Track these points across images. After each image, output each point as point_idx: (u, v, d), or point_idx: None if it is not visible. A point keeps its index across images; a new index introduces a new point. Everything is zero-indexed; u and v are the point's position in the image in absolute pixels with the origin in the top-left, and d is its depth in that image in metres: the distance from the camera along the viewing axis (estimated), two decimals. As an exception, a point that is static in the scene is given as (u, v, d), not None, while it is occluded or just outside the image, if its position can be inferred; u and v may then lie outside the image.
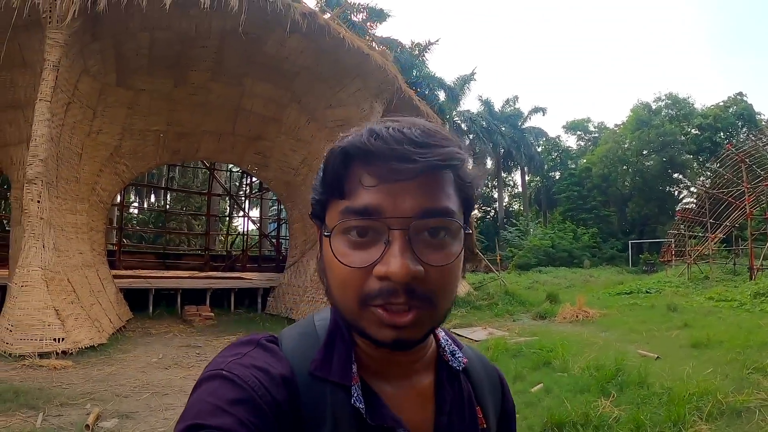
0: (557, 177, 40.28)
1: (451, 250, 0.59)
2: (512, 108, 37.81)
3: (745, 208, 16.89)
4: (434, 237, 0.58)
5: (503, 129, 35.80)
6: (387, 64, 10.60)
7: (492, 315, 11.12)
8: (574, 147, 43.41)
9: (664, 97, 34.46)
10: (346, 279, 0.58)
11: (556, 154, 42.34)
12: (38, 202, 7.30)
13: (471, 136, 32.28)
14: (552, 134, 43.52)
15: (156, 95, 10.81)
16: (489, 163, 35.49)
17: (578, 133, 43.30)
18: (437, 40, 31.40)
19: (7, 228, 14.84)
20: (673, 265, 19.57)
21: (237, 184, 24.65)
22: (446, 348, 0.72)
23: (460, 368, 0.71)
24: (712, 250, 17.73)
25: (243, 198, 23.72)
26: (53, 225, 7.79)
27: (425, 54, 28.16)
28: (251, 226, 23.72)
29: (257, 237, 22.49)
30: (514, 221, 34.21)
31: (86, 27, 8.12)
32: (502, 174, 39.59)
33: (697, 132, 32.77)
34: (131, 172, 11.55)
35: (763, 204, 18.53)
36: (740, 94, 33.35)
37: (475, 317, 10.77)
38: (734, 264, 17.48)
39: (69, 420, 4.37)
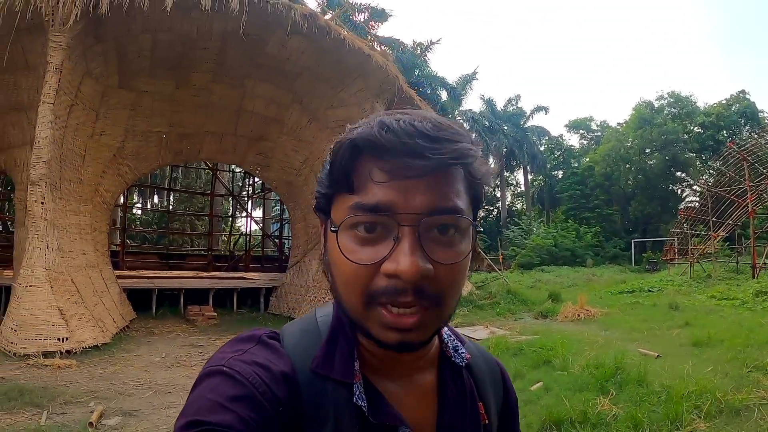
0: (560, 176, 40.16)
1: (460, 248, 0.58)
2: (515, 107, 37.73)
3: (748, 207, 16.84)
4: (444, 234, 0.57)
5: (506, 128, 35.76)
6: (388, 65, 10.65)
7: (494, 314, 11.11)
8: (577, 146, 43.30)
9: (666, 96, 34.36)
10: (352, 276, 0.57)
11: (558, 153, 42.22)
12: (42, 203, 7.38)
13: (473, 136, 32.25)
14: (554, 133, 43.52)
15: (158, 97, 10.88)
16: (492, 162, 35.48)
17: (581, 131, 43.13)
18: (439, 40, 31.47)
19: (11, 229, 14.95)
20: (676, 263, 19.52)
21: (240, 184, 24.73)
22: (449, 344, 0.71)
23: (463, 364, 0.70)
24: (715, 248, 17.68)
25: (246, 198, 23.79)
26: (57, 226, 7.85)
27: (427, 53, 28.12)
28: (254, 227, 23.81)
29: (260, 237, 22.57)
30: (517, 220, 34.15)
31: (88, 30, 8.19)
32: (505, 173, 39.54)
33: (699, 130, 32.64)
34: (134, 173, 11.63)
35: (765, 202, 18.45)
36: (743, 91, 33.16)
37: (477, 316, 10.77)
38: (737, 262, 17.42)
39: (73, 418, 4.42)
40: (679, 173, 33.43)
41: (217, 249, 21.92)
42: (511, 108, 37.62)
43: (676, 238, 20.35)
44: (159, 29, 9.16)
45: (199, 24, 9.22)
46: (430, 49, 28.23)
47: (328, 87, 11.16)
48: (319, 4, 22.84)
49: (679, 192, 34.73)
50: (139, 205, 30.57)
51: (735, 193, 17.75)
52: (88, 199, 9.93)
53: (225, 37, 9.64)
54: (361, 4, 25.04)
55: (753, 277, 14.29)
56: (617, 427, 3.97)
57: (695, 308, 10.62)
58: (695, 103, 34.09)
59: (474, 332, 8.92)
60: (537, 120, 38.77)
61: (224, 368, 0.56)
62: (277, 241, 21.42)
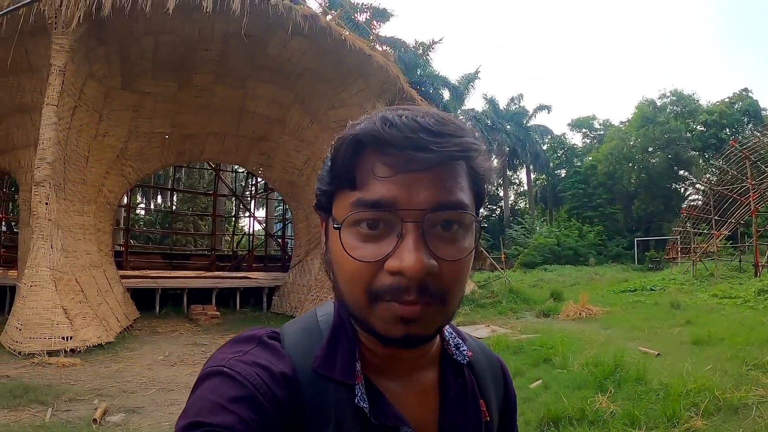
0: (563, 175, 40.02)
1: (464, 244, 0.58)
2: (517, 106, 37.65)
3: (750, 205, 16.80)
4: (447, 230, 0.56)
5: (508, 127, 35.72)
6: (389, 65, 10.69)
7: (496, 313, 11.13)
8: (580, 145, 43.14)
9: (669, 94, 34.24)
10: (355, 273, 0.56)
11: (561, 151, 42.07)
12: (46, 204, 7.45)
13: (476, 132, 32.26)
14: (557, 132, 43.41)
15: (161, 98, 10.94)
16: (494, 161, 35.44)
17: (583, 130, 43.02)
18: (441, 39, 31.36)
19: (15, 230, 15.07)
20: (679, 262, 19.48)
21: (243, 184, 24.84)
22: (450, 341, 0.70)
23: (465, 362, 0.70)
24: (717, 247, 17.63)
25: (249, 198, 23.88)
26: (61, 226, 7.93)
27: (429, 53, 28.14)
28: (257, 226, 23.89)
29: (263, 237, 22.64)
30: (520, 219, 34.14)
31: (91, 32, 8.25)
32: (508, 172, 39.50)
33: (702, 128, 32.50)
34: (137, 174, 11.71)
35: (767, 200, 18.40)
36: (746, 89, 32.99)
37: (479, 315, 10.79)
38: (740, 261, 17.39)
39: (77, 415, 4.48)
40: (682, 172, 33.33)
41: (220, 249, 22.01)
42: (513, 107, 37.55)
43: (678, 237, 20.28)
44: (161, 31, 9.22)
45: (201, 26, 9.27)
46: (433, 48, 28.27)
47: (329, 87, 11.21)
48: (320, 4, 22.86)
49: (681, 190, 34.64)
50: (143, 205, 30.71)
51: (738, 191, 17.69)
52: (91, 199, 10.01)
53: (226, 38, 9.69)
54: (363, 4, 25.11)
55: (755, 275, 14.27)
56: (614, 424, 4.00)
57: (697, 307, 10.62)
58: (698, 101, 33.96)
59: (475, 331, 8.95)
60: (540, 119, 38.71)
61: (225, 369, 0.56)
62: (280, 240, 21.50)
